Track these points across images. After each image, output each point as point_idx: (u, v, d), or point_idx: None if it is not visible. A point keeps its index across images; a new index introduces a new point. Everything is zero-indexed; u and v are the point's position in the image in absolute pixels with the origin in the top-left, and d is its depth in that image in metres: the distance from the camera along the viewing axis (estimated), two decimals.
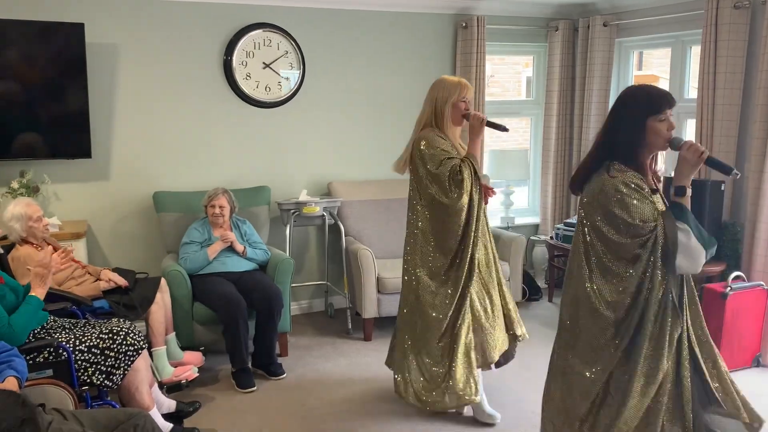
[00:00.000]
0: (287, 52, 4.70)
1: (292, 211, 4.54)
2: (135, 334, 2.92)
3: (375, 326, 4.52)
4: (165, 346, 3.62)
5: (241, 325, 3.71)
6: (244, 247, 4.07)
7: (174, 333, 3.76)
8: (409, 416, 3.43)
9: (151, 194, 4.41)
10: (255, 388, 3.73)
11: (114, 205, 4.43)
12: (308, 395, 3.68)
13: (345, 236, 4.66)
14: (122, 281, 3.56)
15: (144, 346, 2.96)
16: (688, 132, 4.86)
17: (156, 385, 3.23)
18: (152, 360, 3.45)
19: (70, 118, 4.12)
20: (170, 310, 3.76)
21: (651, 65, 8.96)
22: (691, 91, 4.82)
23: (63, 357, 2.72)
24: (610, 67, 5.13)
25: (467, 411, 3.42)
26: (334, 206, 4.68)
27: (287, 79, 4.74)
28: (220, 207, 4.04)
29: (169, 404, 3.25)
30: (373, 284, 4.35)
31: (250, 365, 3.84)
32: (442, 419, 3.40)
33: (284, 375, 3.90)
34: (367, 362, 4.12)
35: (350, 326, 4.60)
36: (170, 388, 3.51)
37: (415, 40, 5.11)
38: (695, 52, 4.69)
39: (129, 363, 2.87)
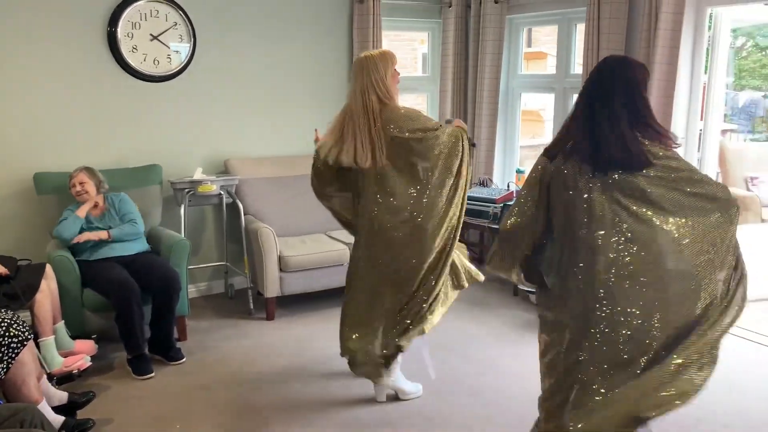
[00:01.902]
0: (176, 24, 4.50)
1: (187, 190, 4.39)
2: (18, 325, 2.74)
3: (278, 305, 4.48)
4: (53, 336, 3.42)
5: (134, 310, 3.56)
6: (107, 231, 3.86)
7: (63, 321, 3.56)
8: (314, 394, 3.44)
9: (32, 175, 4.12)
10: (153, 374, 3.61)
11: None
12: (210, 378, 3.60)
13: (244, 215, 4.56)
14: (1, 269, 3.32)
15: (29, 337, 2.78)
16: None
17: (45, 377, 3.06)
18: (39, 351, 3.27)
19: None
20: (57, 298, 3.55)
21: (539, 42, 9.31)
22: (577, 67, 5.05)
23: None
24: (501, 43, 5.27)
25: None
26: (231, 184, 4.57)
27: (177, 52, 4.54)
28: (81, 183, 3.86)
29: (61, 396, 3.08)
30: (275, 263, 4.30)
31: (146, 351, 3.70)
32: (348, 398, 3.43)
33: (184, 359, 3.79)
34: (270, 342, 4.08)
35: (252, 306, 4.53)
36: (60, 380, 3.34)
37: (311, 14, 5.03)
38: (580, 29, 4.90)
39: (13, 356, 2.68)
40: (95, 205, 3.91)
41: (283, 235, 4.56)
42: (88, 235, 3.80)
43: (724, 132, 7.10)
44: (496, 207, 4.83)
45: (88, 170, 3.95)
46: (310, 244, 4.50)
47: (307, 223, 4.75)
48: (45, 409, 2.79)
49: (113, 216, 3.94)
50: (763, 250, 4.58)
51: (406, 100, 3.47)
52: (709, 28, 4.15)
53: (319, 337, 4.14)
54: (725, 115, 6.72)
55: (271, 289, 4.33)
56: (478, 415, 3.22)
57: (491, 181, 5.39)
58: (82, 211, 3.83)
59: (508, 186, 5.27)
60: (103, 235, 3.82)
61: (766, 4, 4.38)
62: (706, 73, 4.25)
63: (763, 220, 5.23)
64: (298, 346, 4.01)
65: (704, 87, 4.30)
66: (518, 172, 5.32)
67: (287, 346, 4.02)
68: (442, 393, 3.43)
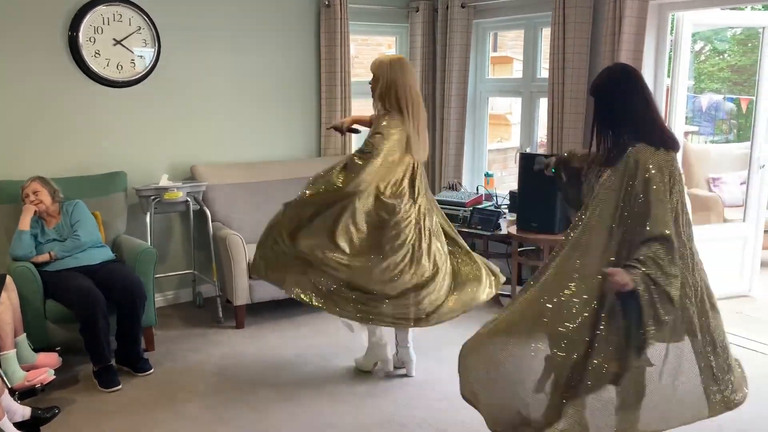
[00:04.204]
0: (140, 28, 4.42)
1: (152, 197, 4.31)
2: None
3: (247, 313, 4.41)
4: (14, 350, 3.32)
5: (100, 321, 3.48)
6: (49, 253, 3.72)
7: (24, 334, 3.45)
8: (284, 402, 3.40)
9: None
10: (120, 386, 3.52)
11: None
12: (179, 389, 3.53)
13: (212, 222, 4.49)
14: None
15: None
16: (541, 109, 5.14)
17: (6, 392, 2.96)
18: (0, 366, 3.16)
19: None
20: (19, 310, 3.44)
21: (505, 47, 9.40)
22: (543, 71, 5.10)
23: None
24: (468, 48, 5.29)
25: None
26: (198, 191, 4.49)
27: (141, 56, 4.46)
28: (34, 192, 3.75)
29: (23, 412, 2.99)
30: (244, 270, 4.24)
31: (113, 363, 3.61)
32: (318, 405, 3.39)
33: (151, 370, 3.71)
34: (240, 350, 4.02)
35: (221, 315, 4.46)
36: (23, 395, 3.23)
37: (278, 18, 4.98)
38: (546, 33, 4.96)
39: None
40: (50, 216, 3.79)
41: (252, 242, 4.47)
42: (34, 259, 3.69)
43: (686, 134, 7.24)
44: (465, 210, 4.85)
45: (41, 179, 3.82)
46: None
47: None
48: (6, 426, 2.71)
49: (68, 225, 3.82)
50: (725, 250, 4.67)
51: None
52: (671, 32, 4.24)
53: (289, 344, 4.10)
54: (686, 118, 6.87)
55: (241, 297, 4.27)
56: (453, 419, 3.21)
57: (460, 185, 5.41)
58: (23, 223, 3.67)
59: (477, 189, 5.30)
60: (45, 257, 3.70)
61: (723, 9, 4.49)
62: (668, 76, 4.33)
63: (725, 220, 5.34)
64: (269, 355, 3.96)
65: (667, 90, 4.39)
66: (487, 175, 5.34)
67: (257, 354, 3.97)
68: (415, 398, 3.41)
